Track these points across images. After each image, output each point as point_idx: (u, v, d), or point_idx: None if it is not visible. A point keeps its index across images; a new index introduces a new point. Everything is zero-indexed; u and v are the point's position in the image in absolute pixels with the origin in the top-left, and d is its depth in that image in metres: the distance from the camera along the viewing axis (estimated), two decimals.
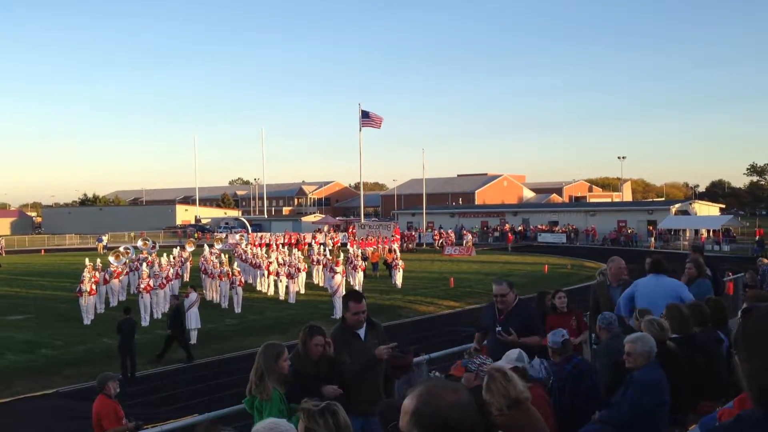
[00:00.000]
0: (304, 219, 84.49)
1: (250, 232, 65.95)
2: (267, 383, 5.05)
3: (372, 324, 6.32)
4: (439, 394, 2.25)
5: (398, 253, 36.24)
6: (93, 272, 25.87)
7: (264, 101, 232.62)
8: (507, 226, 69.37)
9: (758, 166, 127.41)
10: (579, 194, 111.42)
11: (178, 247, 38.48)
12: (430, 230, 69.43)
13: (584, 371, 6.18)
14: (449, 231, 65.02)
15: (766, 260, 11.65)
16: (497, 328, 6.94)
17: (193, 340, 20.80)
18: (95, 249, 58.23)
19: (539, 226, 69.89)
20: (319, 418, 3.23)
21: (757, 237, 54.49)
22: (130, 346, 17.19)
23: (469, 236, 61.06)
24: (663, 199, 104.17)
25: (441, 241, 62.46)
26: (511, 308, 7.05)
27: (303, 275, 31.05)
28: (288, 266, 29.72)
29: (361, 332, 6.21)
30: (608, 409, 5.62)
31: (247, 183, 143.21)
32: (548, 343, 6.50)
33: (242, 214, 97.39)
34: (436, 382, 2.40)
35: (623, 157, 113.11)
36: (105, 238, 64.62)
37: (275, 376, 5.10)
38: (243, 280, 28.56)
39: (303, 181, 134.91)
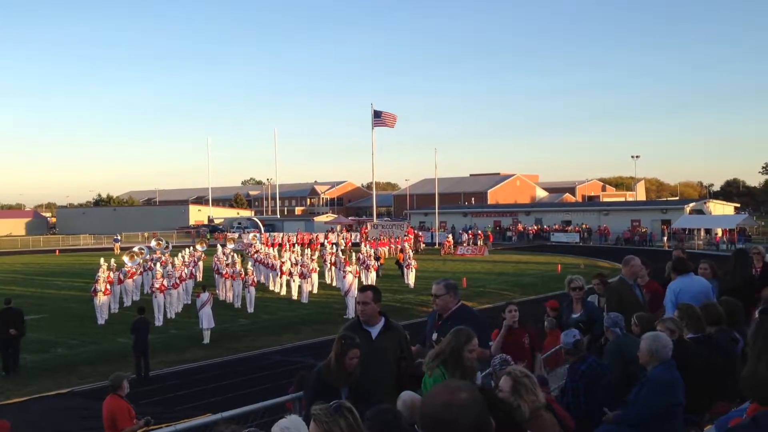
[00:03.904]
0: (317, 219, 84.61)
1: (263, 232, 66.11)
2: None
3: (390, 327, 5.90)
4: (435, 394, 2.31)
5: (410, 253, 36.19)
6: (107, 272, 26.07)
7: (277, 102, 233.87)
8: (514, 227, 69.17)
9: None
10: (592, 193, 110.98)
11: (190, 247, 38.64)
12: (442, 230, 69.35)
13: (599, 371, 6.13)
14: (457, 231, 65.52)
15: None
16: (433, 336, 6.09)
17: (206, 340, 20.91)
18: (110, 249, 58.59)
19: (552, 226, 69.73)
20: (339, 417, 3.00)
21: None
22: (144, 346, 17.32)
23: (465, 236, 61.37)
24: (677, 198, 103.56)
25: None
26: (450, 314, 6.25)
27: (316, 275, 31.12)
28: (301, 266, 29.81)
29: (374, 331, 5.80)
30: (622, 409, 5.58)
31: (259, 183, 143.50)
32: (561, 343, 6.46)
33: (255, 214, 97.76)
34: (447, 382, 2.41)
35: (637, 156, 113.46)
36: (120, 238, 65.14)
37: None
38: (256, 280, 28.66)
39: (315, 181, 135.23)
